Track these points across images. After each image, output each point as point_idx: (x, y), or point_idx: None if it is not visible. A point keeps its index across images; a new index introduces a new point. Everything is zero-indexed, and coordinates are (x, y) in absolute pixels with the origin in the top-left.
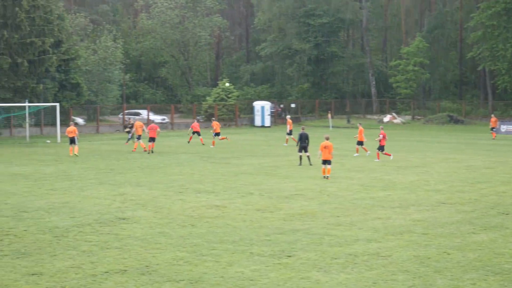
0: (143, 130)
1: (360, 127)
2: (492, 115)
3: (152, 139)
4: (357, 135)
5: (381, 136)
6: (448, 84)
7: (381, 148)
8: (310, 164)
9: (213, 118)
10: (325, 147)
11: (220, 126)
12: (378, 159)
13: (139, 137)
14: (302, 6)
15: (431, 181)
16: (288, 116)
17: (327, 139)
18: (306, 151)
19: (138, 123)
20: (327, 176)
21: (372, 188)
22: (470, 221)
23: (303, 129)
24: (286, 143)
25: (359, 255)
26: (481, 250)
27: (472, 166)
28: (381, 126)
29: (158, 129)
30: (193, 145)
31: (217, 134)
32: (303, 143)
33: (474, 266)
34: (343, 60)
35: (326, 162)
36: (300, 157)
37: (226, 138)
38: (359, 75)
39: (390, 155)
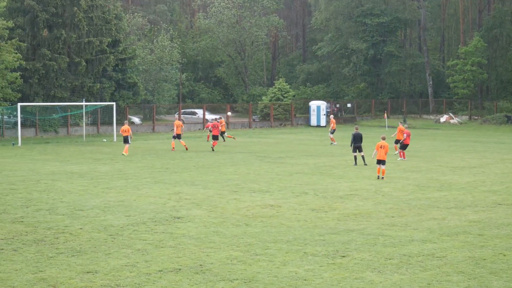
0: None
1: (400, 126)
2: None
3: (178, 136)
4: (396, 134)
5: (405, 135)
6: (506, 84)
7: (403, 146)
8: (365, 164)
9: (220, 117)
10: (381, 147)
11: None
12: (402, 157)
13: (178, 136)
14: (359, 5)
15: (487, 182)
16: (331, 116)
17: (384, 139)
18: (360, 151)
19: (177, 122)
20: (382, 177)
21: (427, 188)
22: None
23: (356, 129)
24: (334, 142)
25: (414, 255)
26: None
27: None
28: (405, 125)
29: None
30: (248, 144)
31: (223, 132)
32: (357, 143)
33: None
34: (400, 60)
35: (380, 162)
36: (355, 157)
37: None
38: (416, 74)
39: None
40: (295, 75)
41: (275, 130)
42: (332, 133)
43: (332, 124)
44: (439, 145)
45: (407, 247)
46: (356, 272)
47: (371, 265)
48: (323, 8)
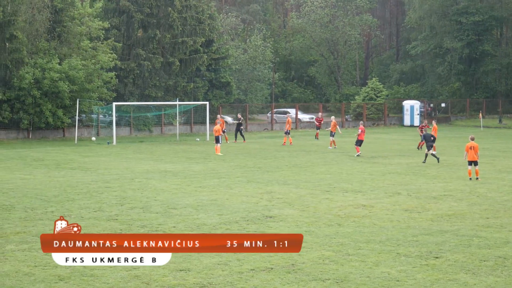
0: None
1: (434, 125)
2: None
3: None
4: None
5: (359, 130)
6: None
7: (358, 142)
8: (438, 162)
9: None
10: (470, 148)
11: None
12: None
13: (217, 139)
14: (454, 4)
15: None
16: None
17: (472, 139)
18: (431, 149)
19: (217, 127)
20: (477, 177)
21: None
22: None
23: (425, 131)
24: (331, 146)
25: (509, 258)
26: None
27: None
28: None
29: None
30: (340, 143)
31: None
32: (429, 142)
33: None
34: (496, 59)
35: (472, 162)
36: (426, 155)
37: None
38: None
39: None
40: (388, 75)
41: (368, 130)
42: (332, 135)
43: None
44: None
45: (503, 249)
46: (450, 273)
47: (465, 267)
48: (417, 7)
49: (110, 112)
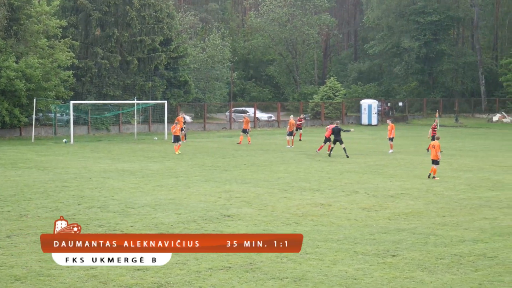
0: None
1: (390, 123)
2: None
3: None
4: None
5: (328, 127)
6: None
7: (326, 140)
8: (347, 156)
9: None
10: (433, 147)
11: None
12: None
13: (176, 138)
14: (411, 3)
15: None
16: (291, 117)
17: (437, 139)
18: (341, 143)
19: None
20: (434, 176)
21: (479, 188)
22: None
23: (336, 124)
24: (289, 145)
25: (465, 255)
26: None
27: None
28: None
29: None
30: (298, 142)
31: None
32: (336, 136)
33: None
34: (452, 59)
35: (433, 162)
36: (331, 148)
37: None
38: (468, 73)
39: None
40: (346, 74)
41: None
42: (289, 135)
43: (289, 126)
44: (492, 144)
45: (458, 247)
46: (407, 271)
47: (421, 265)
48: (375, 7)
49: (67, 111)
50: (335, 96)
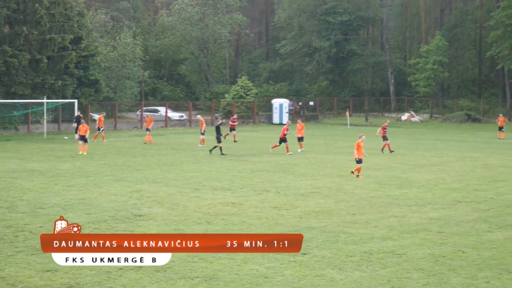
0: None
1: (301, 123)
2: (500, 115)
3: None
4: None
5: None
6: (467, 82)
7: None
8: (210, 152)
9: (147, 114)
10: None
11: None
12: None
13: (82, 138)
14: (322, 3)
15: (447, 180)
16: (198, 116)
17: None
18: (218, 142)
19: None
20: (358, 175)
21: (388, 186)
22: (486, 220)
23: (219, 122)
24: (201, 144)
25: (374, 253)
26: (496, 248)
27: (488, 164)
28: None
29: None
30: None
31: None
32: (217, 134)
33: (489, 264)
34: (362, 58)
35: (358, 161)
36: (215, 147)
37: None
38: (378, 73)
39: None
40: (258, 73)
41: (238, 128)
42: (202, 134)
43: (203, 125)
44: (400, 143)
45: (368, 244)
46: (317, 269)
47: (332, 263)
48: (286, 6)
49: None
50: (247, 95)
